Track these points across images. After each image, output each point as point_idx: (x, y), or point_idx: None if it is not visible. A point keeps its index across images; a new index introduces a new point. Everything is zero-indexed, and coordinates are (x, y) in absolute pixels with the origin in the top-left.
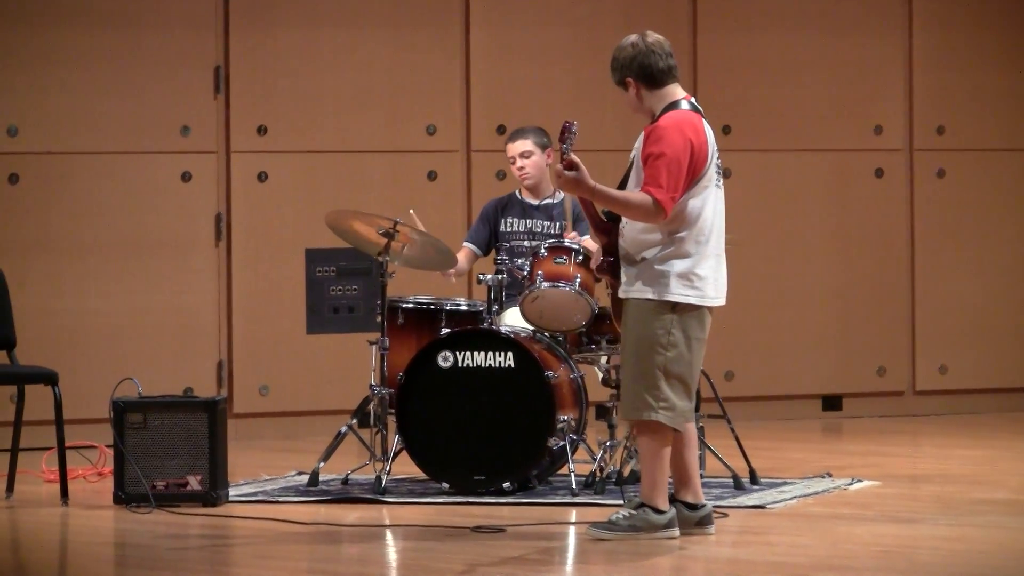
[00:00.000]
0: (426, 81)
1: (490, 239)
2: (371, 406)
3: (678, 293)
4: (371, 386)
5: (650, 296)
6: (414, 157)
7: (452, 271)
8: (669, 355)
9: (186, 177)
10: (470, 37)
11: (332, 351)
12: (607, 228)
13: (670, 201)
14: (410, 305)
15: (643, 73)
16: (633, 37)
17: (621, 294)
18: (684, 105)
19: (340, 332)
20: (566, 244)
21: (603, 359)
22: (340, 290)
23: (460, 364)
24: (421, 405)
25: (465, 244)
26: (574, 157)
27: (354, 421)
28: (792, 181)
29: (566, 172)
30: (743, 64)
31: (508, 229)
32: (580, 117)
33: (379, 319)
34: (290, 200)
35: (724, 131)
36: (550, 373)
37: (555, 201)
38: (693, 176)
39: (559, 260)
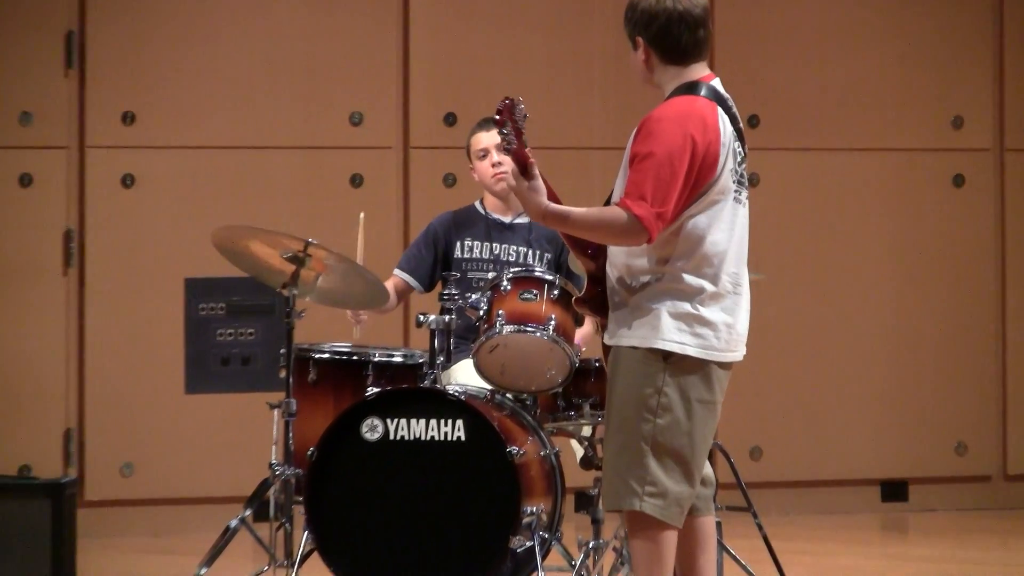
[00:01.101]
0: (350, 54)
1: (435, 268)
2: (271, 492)
3: (672, 340)
4: (272, 465)
5: (635, 343)
6: (333, 155)
7: (364, 315)
8: (659, 423)
9: (25, 180)
10: None
11: (220, 417)
12: (593, 248)
13: (655, 219)
14: (326, 355)
15: (661, 41)
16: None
17: (606, 339)
18: (702, 90)
19: (231, 391)
20: (536, 274)
21: (585, 430)
22: (231, 334)
23: (392, 435)
24: (339, 490)
25: (396, 273)
26: (529, 155)
27: (248, 512)
28: (841, 191)
29: (520, 181)
30: (775, 34)
31: (466, 255)
32: (559, 101)
33: (284, 374)
34: (165, 212)
35: (750, 123)
36: (514, 449)
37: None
38: (697, 186)
39: (527, 295)
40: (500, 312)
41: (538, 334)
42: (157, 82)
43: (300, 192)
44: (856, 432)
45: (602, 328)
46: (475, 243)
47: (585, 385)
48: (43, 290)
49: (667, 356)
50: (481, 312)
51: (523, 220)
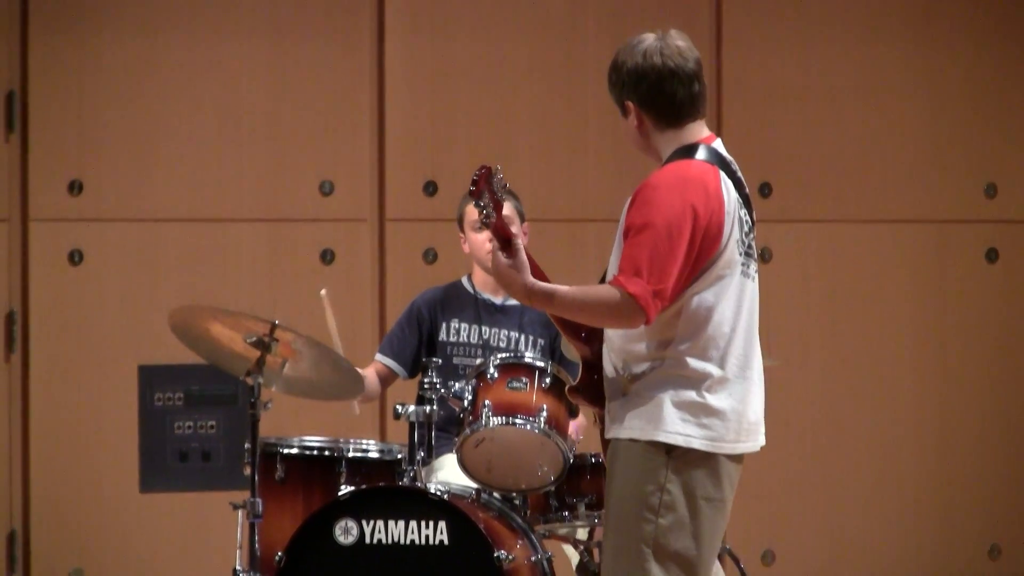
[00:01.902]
0: (319, 114)
1: (419, 351)
2: None
3: (676, 432)
4: (236, 571)
5: (635, 435)
6: (301, 228)
7: (357, 399)
8: (662, 523)
9: None
10: (384, 49)
11: (178, 518)
12: (586, 331)
13: (653, 298)
14: (295, 450)
15: (653, 100)
16: (649, 39)
17: (607, 432)
18: (701, 153)
19: (190, 490)
20: (526, 360)
21: (581, 533)
22: (190, 427)
23: (368, 539)
24: None
25: (379, 358)
26: (513, 231)
27: None
28: (861, 266)
29: (501, 260)
30: (788, 92)
31: (452, 338)
32: (550, 167)
33: (248, 471)
34: (117, 292)
35: (761, 192)
36: (502, 554)
37: None
38: (700, 260)
39: (516, 384)
40: (487, 402)
41: (528, 427)
42: (107, 147)
43: (265, 269)
44: (879, 534)
45: (599, 419)
46: (463, 325)
47: (580, 483)
48: None
49: (670, 450)
50: (466, 402)
51: (514, 302)
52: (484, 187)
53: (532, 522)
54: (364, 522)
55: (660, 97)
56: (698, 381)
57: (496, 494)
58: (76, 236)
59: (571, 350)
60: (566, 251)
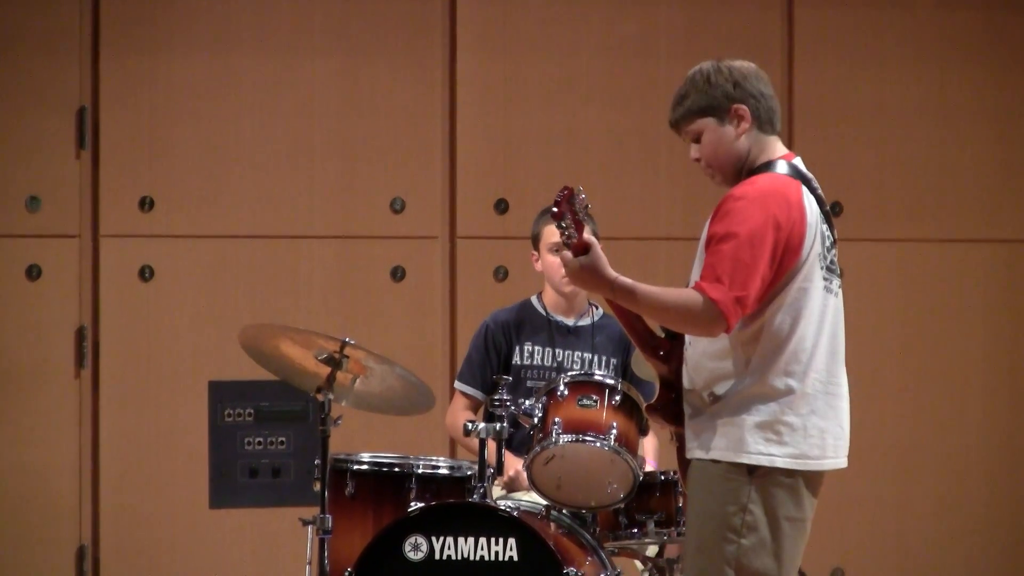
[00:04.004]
0: (391, 133)
1: (495, 375)
2: None
3: (757, 452)
4: None
5: (716, 456)
6: (372, 245)
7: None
8: (744, 543)
9: (33, 273)
10: (456, 67)
11: (247, 534)
12: (665, 349)
13: (734, 305)
14: (365, 466)
15: (758, 104)
16: (739, 62)
17: (687, 452)
18: (782, 167)
19: (260, 506)
20: (596, 378)
21: (650, 549)
22: (260, 443)
23: (438, 555)
24: None
25: (464, 390)
26: (589, 236)
27: None
28: (935, 287)
29: (577, 259)
30: (859, 114)
31: (527, 361)
32: (621, 186)
33: (318, 487)
34: (187, 308)
35: (833, 211)
36: (572, 570)
37: (596, 321)
38: (780, 272)
39: (585, 402)
40: (556, 420)
41: (598, 444)
42: (178, 164)
43: (335, 286)
44: (948, 554)
45: (676, 438)
46: (536, 348)
47: (650, 500)
48: (53, 394)
49: (752, 470)
50: (536, 419)
51: (586, 322)
52: (566, 208)
53: (601, 539)
54: (434, 538)
55: (763, 101)
56: (780, 398)
57: (565, 511)
58: (147, 252)
59: (644, 368)
60: (637, 270)
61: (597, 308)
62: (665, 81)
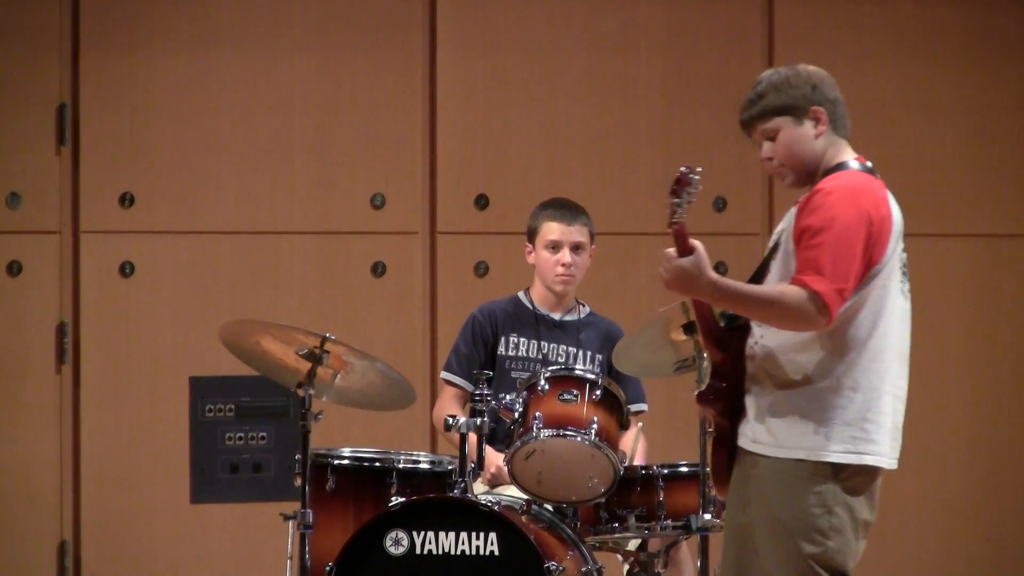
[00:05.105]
0: (370, 129)
1: (483, 367)
2: None
3: (845, 451)
4: None
5: (801, 455)
6: (352, 241)
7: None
8: (831, 545)
9: (13, 269)
10: (436, 63)
11: (229, 529)
12: (727, 339)
13: (836, 296)
14: (346, 461)
15: (835, 106)
16: (813, 67)
17: (748, 445)
18: (856, 166)
19: (241, 501)
20: (577, 373)
21: (631, 544)
22: (241, 439)
23: (419, 549)
24: None
25: (452, 379)
26: (694, 241)
27: None
28: (914, 281)
29: (679, 260)
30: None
31: (511, 352)
32: (602, 180)
33: (299, 482)
34: (168, 304)
35: None
36: (553, 565)
37: (583, 317)
38: (868, 268)
39: (566, 397)
40: (537, 414)
41: (579, 439)
42: (158, 161)
43: (316, 282)
44: (927, 548)
45: (717, 428)
46: (522, 340)
47: (630, 495)
48: (34, 390)
49: (839, 470)
50: (516, 414)
51: (572, 318)
52: (683, 188)
53: (582, 533)
54: (415, 533)
55: (838, 106)
56: (864, 396)
57: (547, 506)
58: (127, 248)
59: (627, 364)
60: (618, 265)
61: (584, 306)
62: (645, 77)
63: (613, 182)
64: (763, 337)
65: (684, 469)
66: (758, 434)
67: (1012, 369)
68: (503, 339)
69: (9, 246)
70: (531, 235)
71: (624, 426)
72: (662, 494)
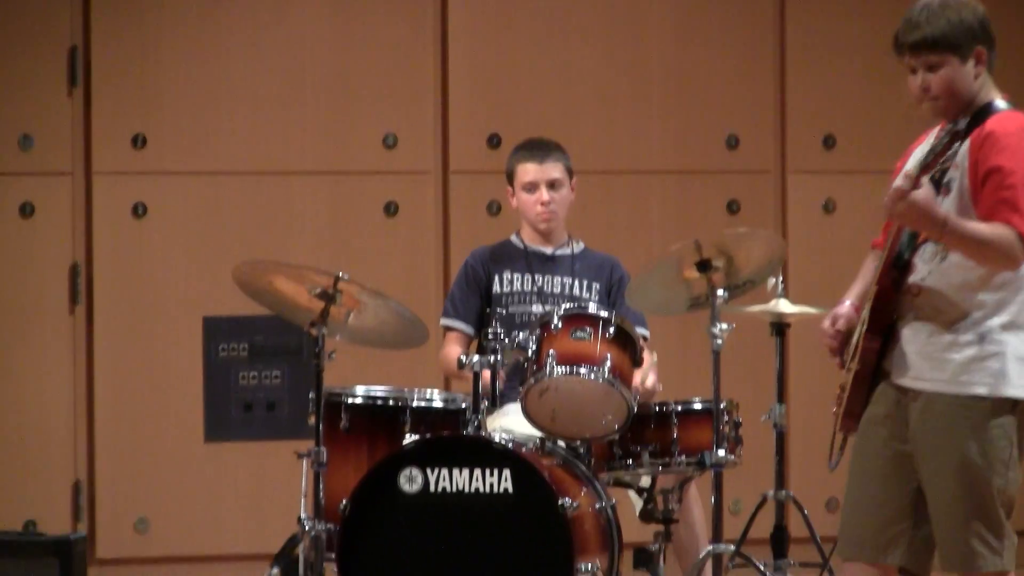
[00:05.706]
0: (383, 69)
1: (482, 309)
2: (300, 549)
3: (1022, 385)
4: (301, 519)
5: (981, 391)
6: (365, 181)
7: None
8: (1011, 476)
9: (26, 210)
10: (448, 3)
11: (243, 467)
12: (894, 273)
13: None
14: (359, 400)
15: (991, 47)
16: (979, 4)
17: (908, 382)
18: (1004, 104)
19: (255, 439)
20: (590, 310)
21: (645, 480)
22: (255, 378)
23: (433, 487)
24: (375, 547)
25: (450, 324)
26: (923, 179)
27: (275, 571)
28: None
29: (915, 193)
30: (849, 49)
31: (506, 289)
32: (613, 120)
33: (312, 421)
34: (180, 245)
35: (825, 144)
36: (566, 501)
37: (576, 251)
38: None
39: (579, 334)
40: (551, 352)
41: (592, 376)
42: (170, 101)
43: (329, 222)
44: None
45: (863, 366)
46: (515, 275)
47: (644, 431)
48: (47, 330)
49: (1016, 404)
50: (530, 352)
51: (565, 251)
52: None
53: (596, 470)
54: (428, 471)
55: (995, 46)
56: None
57: (560, 443)
58: (139, 189)
59: (638, 301)
60: (629, 203)
61: (578, 242)
62: (657, 15)
63: (625, 121)
64: (931, 274)
65: (698, 406)
66: (922, 371)
67: None
68: (496, 277)
69: (22, 188)
70: (509, 179)
71: (637, 363)
72: (676, 431)
